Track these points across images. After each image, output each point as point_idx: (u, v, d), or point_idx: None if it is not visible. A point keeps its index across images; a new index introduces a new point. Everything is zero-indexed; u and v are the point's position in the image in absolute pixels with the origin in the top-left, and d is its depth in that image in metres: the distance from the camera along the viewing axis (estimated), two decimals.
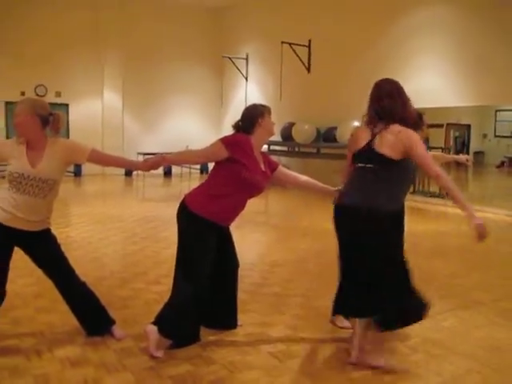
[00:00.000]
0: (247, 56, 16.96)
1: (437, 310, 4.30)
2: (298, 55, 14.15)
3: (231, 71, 17.62)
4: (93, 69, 16.64)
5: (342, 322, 4.17)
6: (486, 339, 4.03)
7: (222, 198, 3.64)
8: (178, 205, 3.76)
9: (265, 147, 15.42)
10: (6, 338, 3.83)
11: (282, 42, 14.00)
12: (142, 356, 3.58)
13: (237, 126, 3.84)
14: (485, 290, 5.29)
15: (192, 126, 17.49)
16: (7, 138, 13.97)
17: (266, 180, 3.78)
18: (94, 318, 3.91)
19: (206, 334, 3.92)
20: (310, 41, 14.21)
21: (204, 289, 3.69)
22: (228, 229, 3.94)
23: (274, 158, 14.72)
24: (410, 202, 11.32)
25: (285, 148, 15.17)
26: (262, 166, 3.78)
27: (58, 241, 3.77)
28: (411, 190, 11.89)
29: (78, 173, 16.25)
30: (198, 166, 16.19)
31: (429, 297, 3.74)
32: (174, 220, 3.77)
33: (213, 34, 18.24)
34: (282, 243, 7.67)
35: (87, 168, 15.84)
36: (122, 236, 7.65)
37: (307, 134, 13.63)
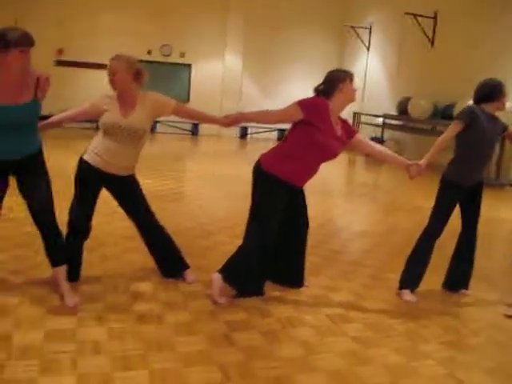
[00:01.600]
0: (371, 25, 16.55)
1: None
2: (422, 27, 13.61)
3: (353, 41, 17.30)
4: (216, 32, 17.07)
5: (409, 296, 4.16)
6: None
7: (295, 159, 3.73)
8: (255, 163, 3.91)
9: (379, 120, 15.15)
10: (92, 269, 4.23)
11: (405, 13, 13.51)
12: (206, 300, 3.83)
13: (317, 90, 3.88)
14: None
15: (309, 94, 17.41)
16: None
17: (340, 145, 3.81)
18: (168, 260, 4.21)
19: (272, 290, 4.09)
20: (436, 12, 13.58)
21: (271, 244, 3.82)
22: (302, 190, 4.02)
23: (388, 132, 14.61)
24: None
25: (400, 122, 14.78)
26: (339, 132, 3.80)
27: (141, 186, 4.06)
28: None
29: (195, 132, 16.91)
30: None
31: None
32: None
33: (336, 2, 17.96)
34: (373, 215, 7.64)
35: (204, 128, 16.47)
36: (220, 193, 7.95)
37: (423, 109, 13.15)
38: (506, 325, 3.89)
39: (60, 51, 15.53)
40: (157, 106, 3.82)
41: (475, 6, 12.44)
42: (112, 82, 3.71)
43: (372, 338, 3.45)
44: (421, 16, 13.55)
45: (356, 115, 16.28)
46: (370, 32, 16.64)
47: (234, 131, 17.08)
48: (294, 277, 4.18)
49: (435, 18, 13.64)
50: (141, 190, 4.02)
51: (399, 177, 11.80)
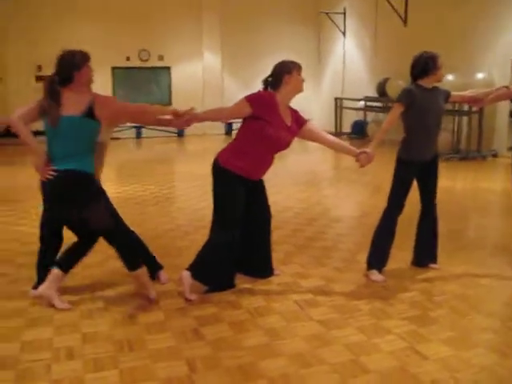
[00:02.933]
0: (345, 10, 16.61)
1: (485, 267, 4.30)
2: (394, 8, 13.68)
3: (328, 27, 17.35)
4: (192, 31, 17.10)
5: (377, 275, 4.28)
6: None
7: (248, 154, 3.85)
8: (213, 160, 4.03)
9: (361, 104, 15.22)
10: (74, 278, 4.30)
11: None
12: (178, 298, 3.96)
13: (265, 82, 3.98)
14: None
15: None
16: None
17: (291, 135, 3.92)
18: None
19: (243, 282, 4.22)
20: None
21: (236, 237, 3.94)
22: (261, 181, 4.13)
23: (370, 114, 14.66)
24: None
25: (380, 104, 14.87)
26: (289, 122, 3.90)
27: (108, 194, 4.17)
28: None
29: (180, 133, 16.95)
30: None
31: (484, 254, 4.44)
32: None
33: None
34: (352, 198, 7.77)
35: (189, 128, 16.49)
36: (198, 193, 8.00)
37: (401, 89, 13.21)
38: (469, 294, 4.02)
39: (39, 67, 15.58)
40: None
41: None
42: None
43: (336, 320, 3.58)
44: None
45: (337, 100, 16.35)
46: (345, 17, 16.70)
47: (220, 128, 17.16)
48: (262, 267, 4.31)
49: None
50: (107, 199, 4.12)
51: (382, 157, 11.89)
